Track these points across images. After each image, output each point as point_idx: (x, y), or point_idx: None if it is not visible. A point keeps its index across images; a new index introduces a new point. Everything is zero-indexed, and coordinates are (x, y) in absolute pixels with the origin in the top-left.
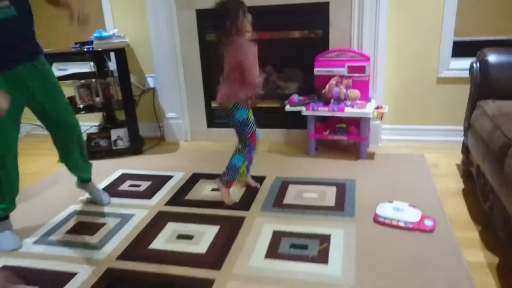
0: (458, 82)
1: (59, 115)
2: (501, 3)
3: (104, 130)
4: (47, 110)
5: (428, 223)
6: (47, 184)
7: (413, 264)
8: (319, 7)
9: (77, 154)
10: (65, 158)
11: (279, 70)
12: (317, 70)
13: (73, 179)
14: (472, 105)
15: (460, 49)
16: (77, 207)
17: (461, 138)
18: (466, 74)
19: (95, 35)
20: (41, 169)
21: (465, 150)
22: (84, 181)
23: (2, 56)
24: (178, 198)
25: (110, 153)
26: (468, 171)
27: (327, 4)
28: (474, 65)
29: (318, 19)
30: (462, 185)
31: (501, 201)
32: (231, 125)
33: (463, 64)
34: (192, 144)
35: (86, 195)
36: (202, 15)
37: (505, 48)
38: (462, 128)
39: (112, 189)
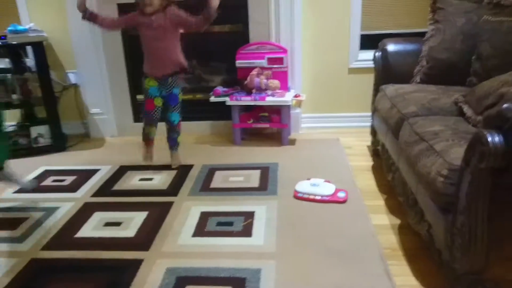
0: (367, 72)
1: None
2: (400, 2)
3: (23, 128)
4: None
5: (341, 194)
6: None
7: (328, 230)
8: (239, 2)
9: None
10: None
11: (203, 63)
12: (239, 62)
13: None
14: (376, 90)
15: (368, 42)
16: None
17: (370, 124)
18: (373, 64)
19: (9, 28)
20: None
21: (373, 131)
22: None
23: None
24: (105, 189)
25: (31, 151)
26: (376, 150)
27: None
28: (376, 54)
29: (238, 14)
30: (371, 163)
31: (399, 169)
32: None
33: (371, 56)
34: (119, 139)
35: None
36: (124, 9)
37: (402, 38)
38: (370, 114)
39: None
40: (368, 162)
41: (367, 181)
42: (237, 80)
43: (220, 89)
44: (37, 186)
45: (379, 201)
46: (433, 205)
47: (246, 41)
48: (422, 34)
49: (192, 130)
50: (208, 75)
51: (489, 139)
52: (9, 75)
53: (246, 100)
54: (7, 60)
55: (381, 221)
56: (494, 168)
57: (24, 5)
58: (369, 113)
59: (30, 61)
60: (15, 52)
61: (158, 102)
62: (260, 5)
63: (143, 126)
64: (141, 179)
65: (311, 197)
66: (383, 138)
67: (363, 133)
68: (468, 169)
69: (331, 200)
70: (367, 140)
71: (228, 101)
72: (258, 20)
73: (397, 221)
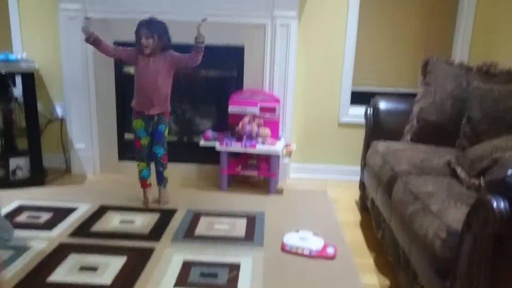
0: (357, 127)
1: None
2: (390, 61)
3: (1, 158)
4: None
5: (330, 250)
6: None
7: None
8: (235, 49)
9: None
10: None
11: (194, 106)
12: (232, 108)
13: None
14: (367, 145)
15: (358, 98)
16: None
17: (359, 177)
18: (363, 120)
19: (0, 57)
20: None
21: (362, 186)
22: None
23: None
24: (82, 229)
25: (7, 183)
26: (364, 205)
27: (242, 47)
28: (368, 110)
29: (234, 60)
30: (359, 217)
31: (391, 228)
32: None
33: (361, 111)
34: (100, 177)
35: None
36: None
37: (393, 97)
38: (359, 168)
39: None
40: (356, 217)
41: (356, 237)
42: (227, 125)
43: (210, 133)
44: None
45: (368, 260)
46: (429, 268)
47: (240, 87)
48: (411, 94)
49: (178, 172)
50: (198, 118)
51: (494, 204)
52: None
53: (236, 147)
54: None
55: (370, 280)
56: (497, 235)
57: (18, 33)
58: (357, 167)
59: (17, 90)
60: (2, 81)
61: (145, 141)
62: (256, 53)
63: (138, 167)
64: (122, 221)
65: (300, 251)
66: (374, 194)
67: (351, 186)
68: (469, 233)
69: (320, 256)
70: (355, 194)
71: (218, 146)
72: (253, 68)
73: (387, 282)
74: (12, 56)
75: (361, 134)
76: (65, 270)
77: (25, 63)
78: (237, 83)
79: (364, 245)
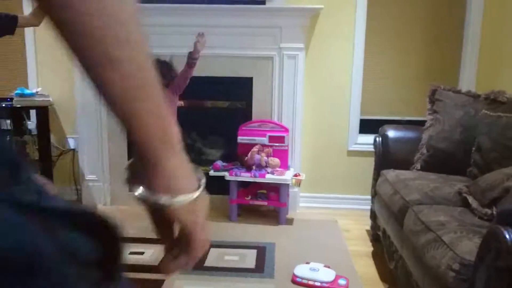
0: (366, 155)
1: None
2: (398, 90)
3: None
4: None
5: (342, 282)
6: None
7: None
8: (243, 80)
9: None
10: None
11: (203, 137)
12: (240, 138)
13: None
14: (377, 174)
15: (367, 126)
16: None
17: (369, 207)
18: (372, 148)
19: (16, 92)
20: None
21: (373, 216)
22: None
23: None
24: None
25: None
26: (376, 235)
27: (251, 79)
28: (377, 139)
29: (242, 92)
30: (371, 248)
31: (403, 258)
32: None
33: (370, 139)
34: (111, 208)
35: None
36: None
37: (401, 126)
38: (369, 197)
39: None
40: (367, 247)
41: (367, 268)
42: (236, 156)
43: (219, 163)
44: None
45: None
46: None
47: (248, 118)
48: (420, 122)
49: None
50: (207, 149)
51: (507, 236)
52: (7, 137)
53: (246, 176)
54: (8, 121)
55: None
56: (510, 267)
57: (34, 69)
58: (368, 196)
59: (31, 123)
60: (17, 114)
61: None
62: (264, 84)
63: None
64: (132, 253)
65: (311, 282)
66: (385, 224)
67: (361, 216)
68: (482, 265)
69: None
70: (366, 223)
71: (228, 176)
72: (261, 99)
73: None
74: (27, 91)
75: (370, 162)
76: None
77: (40, 97)
78: (246, 114)
79: (376, 276)
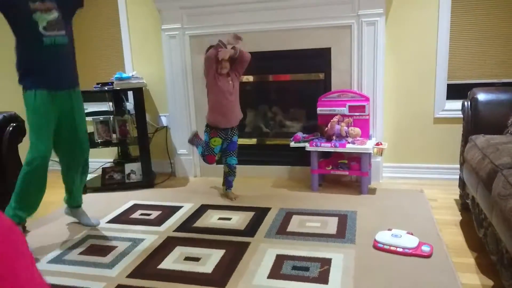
0: (454, 122)
1: (78, 136)
2: (488, 51)
3: (118, 164)
4: (73, 130)
5: (425, 248)
6: (62, 213)
7: (409, 285)
8: (321, 52)
9: (78, 179)
10: (67, 179)
11: (284, 110)
12: (320, 110)
13: (87, 208)
14: (465, 141)
15: (455, 92)
16: (90, 232)
17: (458, 176)
18: (461, 114)
19: (115, 76)
20: (57, 199)
21: (462, 184)
22: (75, 207)
23: (51, 77)
24: (186, 225)
25: (123, 186)
26: (465, 204)
27: (329, 49)
28: (466, 103)
29: (321, 63)
30: (459, 217)
31: (492, 225)
32: None
33: (458, 105)
34: (201, 179)
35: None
36: None
37: (493, 88)
38: (458, 166)
39: (124, 217)
40: (455, 216)
41: (455, 237)
42: (316, 127)
43: (300, 135)
44: (99, 224)
45: (469, 259)
46: None
47: (327, 89)
48: None
49: (270, 174)
50: (288, 121)
51: None
52: (111, 117)
53: (326, 147)
54: (110, 103)
55: (471, 280)
56: None
57: (129, 56)
58: (456, 165)
59: (129, 104)
60: (117, 96)
61: (218, 156)
62: (343, 54)
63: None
64: (220, 218)
65: (392, 248)
66: (473, 191)
67: (450, 185)
68: None
69: (414, 254)
70: (454, 193)
71: (308, 146)
72: (340, 69)
73: (489, 282)
74: (125, 75)
75: (459, 129)
76: (172, 260)
77: (135, 80)
78: (325, 85)
79: (464, 245)
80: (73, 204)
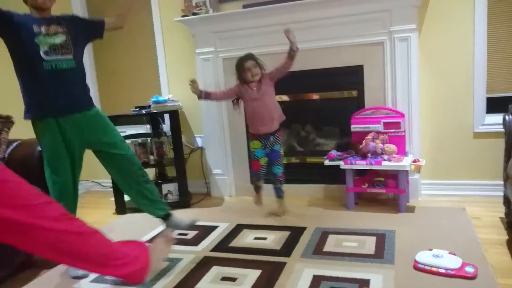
0: (495, 137)
1: (117, 148)
2: None
3: (156, 185)
4: (106, 145)
5: (469, 269)
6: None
7: None
8: (354, 69)
9: (145, 190)
10: (129, 192)
11: (318, 128)
12: (354, 127)
13: (127, 228)
14: (508, 156)
15: (495, 105)
16: None
17: (502, 193)
18: (502, 128)
19: (152, 99)
20: (98, 219)
21: (507, 201)
22: (165, 218)
23: (58, 104)
24: (222, 245)
25: None
26: (511, 222)
27: (361, 66)
28: (507, 117)
29: (353, 80)
30: (506, 236)
31: None
32: None
33: (499, 119)
34: (236, 199)
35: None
36: None
37: None
38: (502, 182)
39: None
40: (501, 235)
41: (501, 257)
42: (351, 144)
43: (334, 153)
44: (196, 222)
45: None
46: None
47: (361, 107)
48: None
49: (305, 193)
50: (322, 139)
51: None
52: (149, 139)
53: (361, 164)
54: (148, 126)
55: None
56: None
57: (165, 80)
58: (499, 181)
59: (165, 126)
60: (155, 119)
61: (263, 161)
62: (376, 71)
63: (254, 181)
64: (256, 238)
65: (434, 269)
66: None
67: (493, 203)
68: None
69: (457, 275)
70: (499, 210)
71: (342, 164)
72: (373, 86)
73: None
74: (161, 98)
75: (500, 144)
76: (209, 280)
77: (171, 103)
78: (358, 102)
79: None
80: (160, 214)
